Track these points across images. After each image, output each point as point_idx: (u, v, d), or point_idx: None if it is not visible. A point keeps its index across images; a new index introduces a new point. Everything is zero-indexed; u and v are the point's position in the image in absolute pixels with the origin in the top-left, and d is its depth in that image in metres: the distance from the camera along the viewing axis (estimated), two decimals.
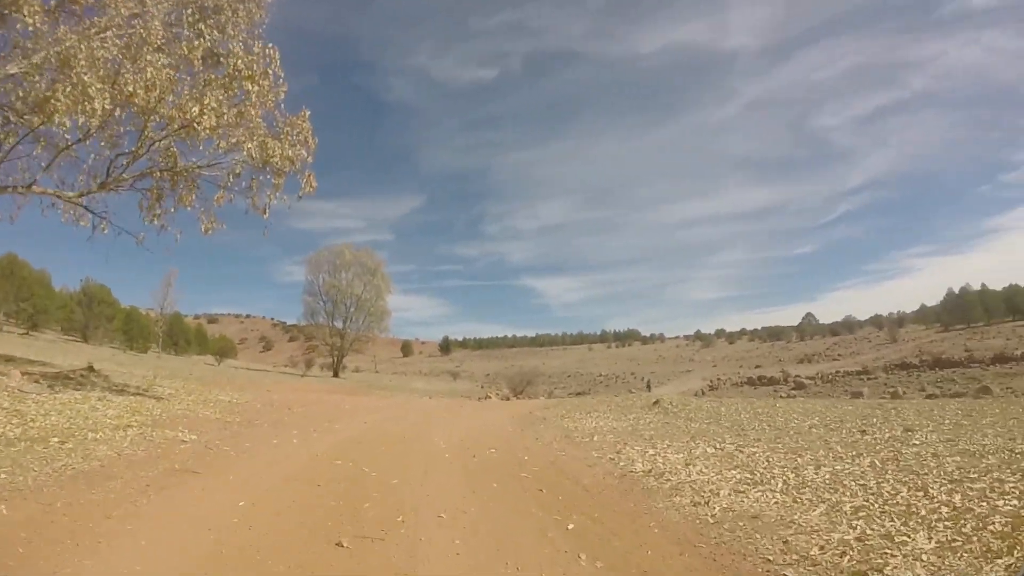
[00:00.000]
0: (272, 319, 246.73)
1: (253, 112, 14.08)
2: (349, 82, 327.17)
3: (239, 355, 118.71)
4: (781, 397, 45.20)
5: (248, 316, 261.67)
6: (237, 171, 14.93)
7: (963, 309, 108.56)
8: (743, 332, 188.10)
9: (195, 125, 13.00)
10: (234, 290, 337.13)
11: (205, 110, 12.84)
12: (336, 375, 70.85)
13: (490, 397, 42.59)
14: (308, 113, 15.08)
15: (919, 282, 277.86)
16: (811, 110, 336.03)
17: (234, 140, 14.26)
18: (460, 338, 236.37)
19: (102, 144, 14.99)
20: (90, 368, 21.29)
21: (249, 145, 14.05)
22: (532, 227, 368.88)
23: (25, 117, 13.66)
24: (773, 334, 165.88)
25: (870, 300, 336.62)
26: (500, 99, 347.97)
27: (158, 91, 12.63)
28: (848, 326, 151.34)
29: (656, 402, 20.53)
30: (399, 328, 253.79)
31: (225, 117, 13.48)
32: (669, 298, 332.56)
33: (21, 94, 13.25)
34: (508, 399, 41.30)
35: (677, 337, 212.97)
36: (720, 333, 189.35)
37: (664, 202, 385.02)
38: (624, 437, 13.08)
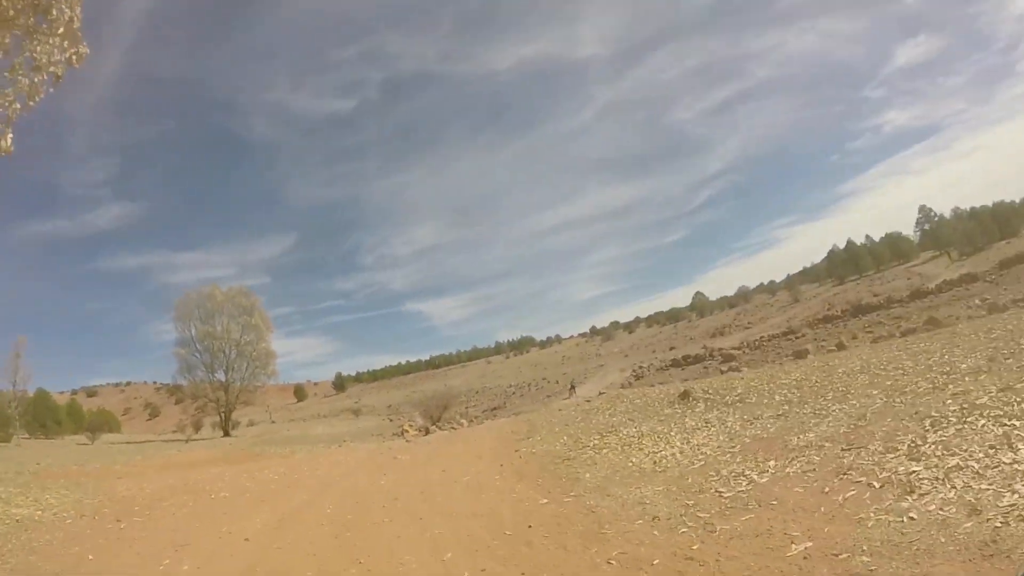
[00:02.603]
0: (155, 383, 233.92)
1: None
2: (207, 123, 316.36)
3: (123, 427, 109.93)
4: (723, 372, 41.69)
5: (128, 383, 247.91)
6: None
7: (854, 261, 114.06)
8: (638, 320, 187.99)
9: None
10: (112, 359, 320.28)
11: None
12: (227, 434, 63.37)
13: (407, 431, 36.68)
14: None
15: (787, 249, 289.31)
16: (664, 107, 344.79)
17: None
18: (354, 373, 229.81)
19: None
20: None
21: None
22: (407, 252, 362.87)
23: None
24: (671, 317, 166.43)
25: (746, 273, 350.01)
26: (360, 128, 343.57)
27: None
28: (744, 296, 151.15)
29: (685, 395, 15.87)
30: (289, 372, 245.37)
31: None
32: (551, 302, 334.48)
33: None
34: (427, 431, 35.58)
35: (572, 336, 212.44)
36: (616, 325, 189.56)
37: (530, 211, 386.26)
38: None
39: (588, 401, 22.57)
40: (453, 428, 35.78)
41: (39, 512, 13.47)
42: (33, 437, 65.11)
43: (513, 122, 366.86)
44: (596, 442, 13.01)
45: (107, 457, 32.64)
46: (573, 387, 67.60)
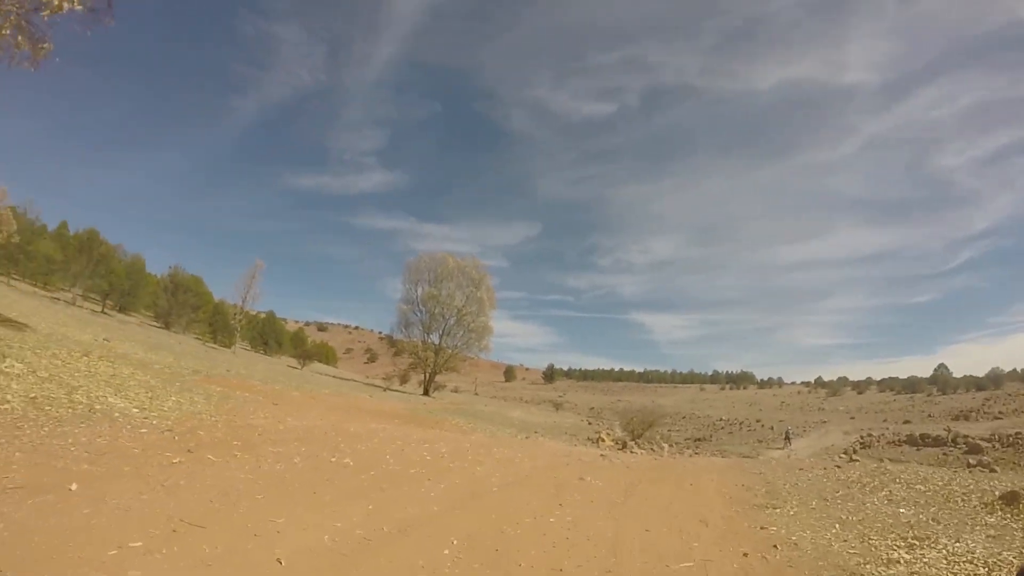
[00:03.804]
0: (379, 332, 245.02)
1: None
2: (470, 111, 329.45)
3: (340, 364, 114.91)
4: (970, 465, 35.49)
5: (356, 327, 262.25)
6: None
7: None
8: (870, 381, 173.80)
9: None
10: (349, 303, 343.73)
11: None
12: (427, 393, 64.08)
13: (603, 440, 33.62)
14: None
15: None
16: (931, 149, 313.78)
17: None
18: (565, 367, 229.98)
19: None
20: None
21: None
22: (642, 261, 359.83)
23: None
24: (907, 386, 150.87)
25: (1000, 354, 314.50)
26: (615, 133, 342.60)
27: None
28: (994, 380, 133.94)
29: (1013, 498, 11.02)
30: (504, 353, 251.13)
31: None
32: (778, 342, 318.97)
33: None
34: (624, 445, 32.25)
35: (795, 383, 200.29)
36: (844, 381, 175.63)
37: (773, 242, 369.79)
38: None
39: (838, 467, 18.07)
40: (652, 450, 32.38)
41: (135, 410, 11.78)
42: (253, 351, 68.55)
43: (768, 146, 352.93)
44: (906, 555, 8.15)
45: (297, 382, 32.20)
46: (788, 438, 61.77)
